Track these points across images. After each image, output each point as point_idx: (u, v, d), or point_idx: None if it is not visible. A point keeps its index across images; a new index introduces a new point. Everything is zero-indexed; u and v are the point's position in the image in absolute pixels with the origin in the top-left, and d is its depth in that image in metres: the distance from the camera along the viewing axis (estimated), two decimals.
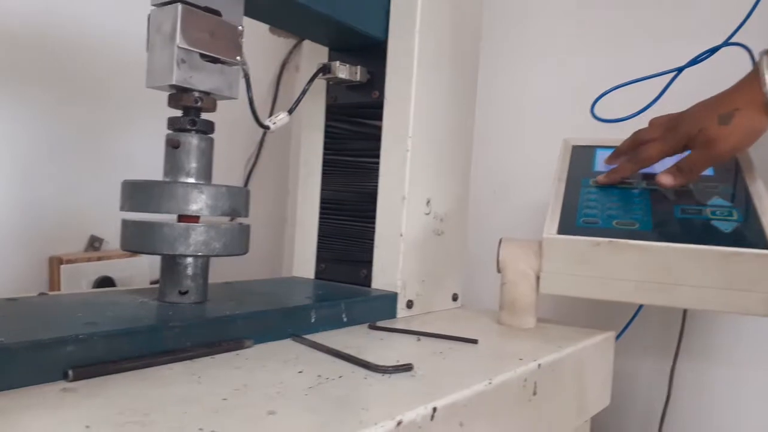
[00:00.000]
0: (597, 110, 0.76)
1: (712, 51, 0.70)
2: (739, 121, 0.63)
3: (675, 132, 0.68)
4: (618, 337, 0.81)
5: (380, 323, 0.66)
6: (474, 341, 0.61)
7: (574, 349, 0.63)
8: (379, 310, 0.69)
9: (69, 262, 1.02)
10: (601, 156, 0.81)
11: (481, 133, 0.99)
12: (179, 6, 0.54)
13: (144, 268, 1.09)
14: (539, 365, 0.56)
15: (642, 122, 0.73)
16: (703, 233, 0.64)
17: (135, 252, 0.55)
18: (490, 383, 0.48)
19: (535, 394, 0.55)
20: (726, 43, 0.69)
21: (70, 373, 0.41)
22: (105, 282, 1.03)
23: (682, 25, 0.88)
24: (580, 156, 0.81)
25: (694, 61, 0.71)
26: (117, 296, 0.60)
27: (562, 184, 0.76)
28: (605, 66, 0.94)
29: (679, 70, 0.72)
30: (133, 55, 0.56)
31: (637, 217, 0.68)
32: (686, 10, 0.88)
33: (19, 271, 1.00)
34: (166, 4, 0.55)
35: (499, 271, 0.72)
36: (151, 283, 1.07)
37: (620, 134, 0.80)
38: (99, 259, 1.05)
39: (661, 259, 0.63)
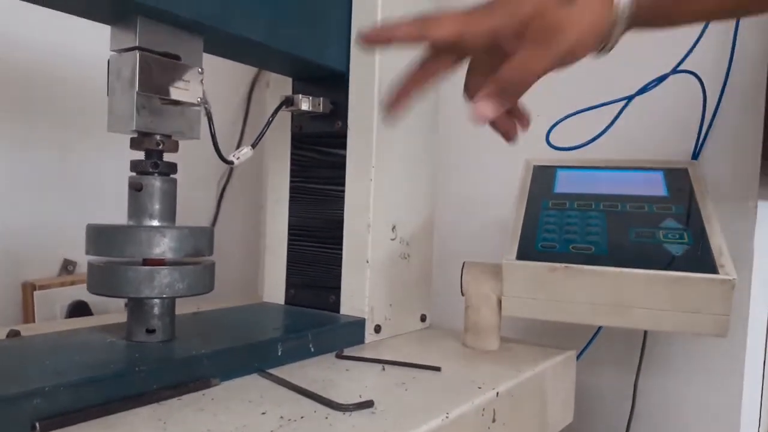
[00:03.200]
0: (555, 135, 0.79)
1: (661, 79, 0.73)
2: (586, 2, 0.47)
3: (507, 6, 0.48)
4: (579, 355, 0.84)
5: (348, 351, 0.68)
6: (437, 368, 0.63)
7: (533, 372, 0.65)
8: (346, 336, 0.71)
9: (42, 287, 1.02)
10: (562, 176, 0.83)
11: (448, 151, 1.01)
12: (137, 53, 0.55)
13: None
14: (497, 393, 0.58)
15: (596, 149, 0.75)
16: (655, 257, 0.66)
17: (102, 295, 0.56)
18: (447, 417, 0.50)
19: (494, 421, 0.57)
20: (674, 71, 0.72)
21: (38, 425, 0.43)
22: (79, 306, 1.03)
23: (634, 52, 0.89)
24: (541, 176, 0.84)
25: (644, 90, 0.73)
26: (86, 336, 0.61)
27: (522, 206, 0.78)
28: (565, 89, 0.96)
29: (629, 98, 0.74)
30: (100, 82, 0.57)
31: (593, 241, 0.70)
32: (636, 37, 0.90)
33: None
34: (125, 50, 0.56)
35: (463, 294, 0.74)
36: (126, 305, 1.07)
37: (582, 154, 0.83)
38: (72, 283, 1.05)
39: (615, 283, 0.65)
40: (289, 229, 0.81)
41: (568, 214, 0.76)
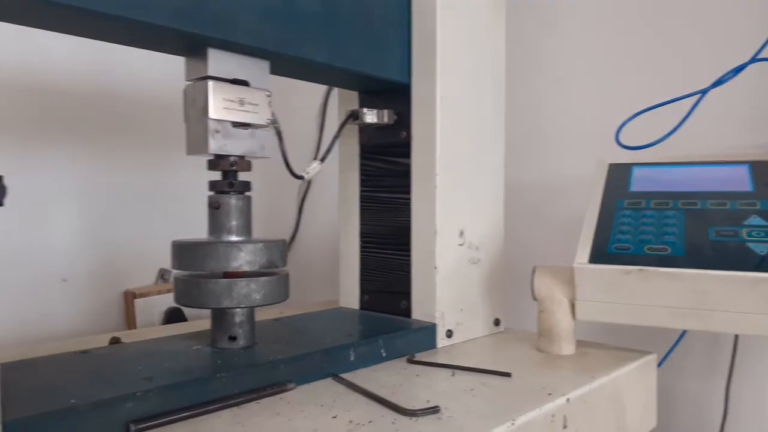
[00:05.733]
0: (626, 131, 0.76)
1: (738, 69, 0.69)
2: None
3: None
4: (665, 357, 0.81)
5: (419, 356, 0.69)
6: (507, 374, 0.63)
7: (608, 378, 0.64)
8: (418, 341, 0.72)
9: (141, 295, 1.11)
10: (638, 174, 0.81)
11: (515, 152, 1.00)
12: (209, 82, 0.59)
13: None
14: (568, 399, 0.57)
15: (669, 147, 0.72)
16: (737, 257, 0.63)
17: (188, 307, 0.61)
18: (513, 424, 0.51)
19: (565, 427, 0.57)
20: (754, 60, 0.68)
21: (132, 427, 0.47)
22: (174, 312, 1.12)
23: (710, 43, 0.85)
24: (616, 174, 0.81)
25: (719, 82, 0.69)
26: (176, 343, 0.66)
27: (595, 206, 0.76)
28: (636, 84, 0.93)
29: (704, 92, 0.70)
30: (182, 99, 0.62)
31: (670, 242, 0.67)
32: (714, 27, 0.85)
33: (99, 305, 1.10)
34: (198, 80, 0.60)
35: (535, 298, 0.74)
36: None
37: (659, 150, 0.80)
38: (168, 291, 1.14)
39: (693, 285, 0.63)
40: (361, 237, 0.84)
41: (643, 214, 0.73)
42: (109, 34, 0.58)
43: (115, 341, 0.71)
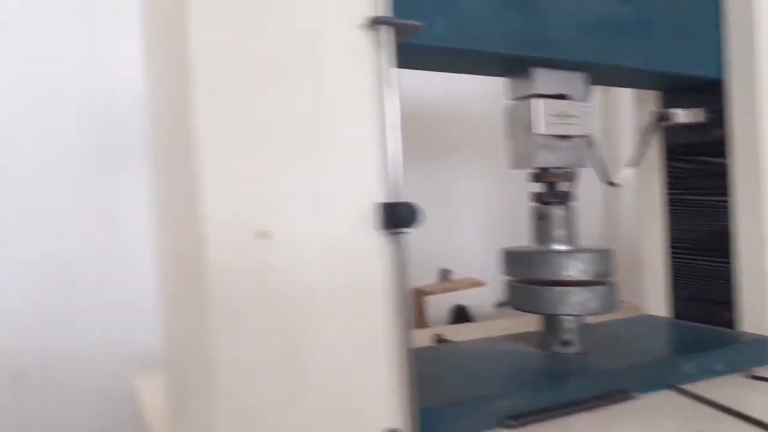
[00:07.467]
0: None
1: None
2: None
3: None
4: None
5: (757, 371, 0.65)
6: None
7: None
8: (751, 355, 0.67)
9: (430, 293, 1.20)
10: None
11: None
12: (535, 100, 0.62)
13: (487, 297, 1.21)
14: None
15: None
16: None
17: (523, 311, 0.65)
18: None
19: None
20: None
21: (511, 422, 0.52)
22: (459, 310, 1.19)
23: None
24: None
25: None
26: (508, 345, 0.70)
27: None
28: None
29: None
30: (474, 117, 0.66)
31: None
32: None
33: None
34: (521, 98, 0.64)
35: None
36: (497, 305, 1.18)
37: None
38: (450, 290, 1.22)
39: None
40: (672, 242, 0.80)
41: None
42: (447, 64, 0.64)
43: (442, 340, 0.78)
